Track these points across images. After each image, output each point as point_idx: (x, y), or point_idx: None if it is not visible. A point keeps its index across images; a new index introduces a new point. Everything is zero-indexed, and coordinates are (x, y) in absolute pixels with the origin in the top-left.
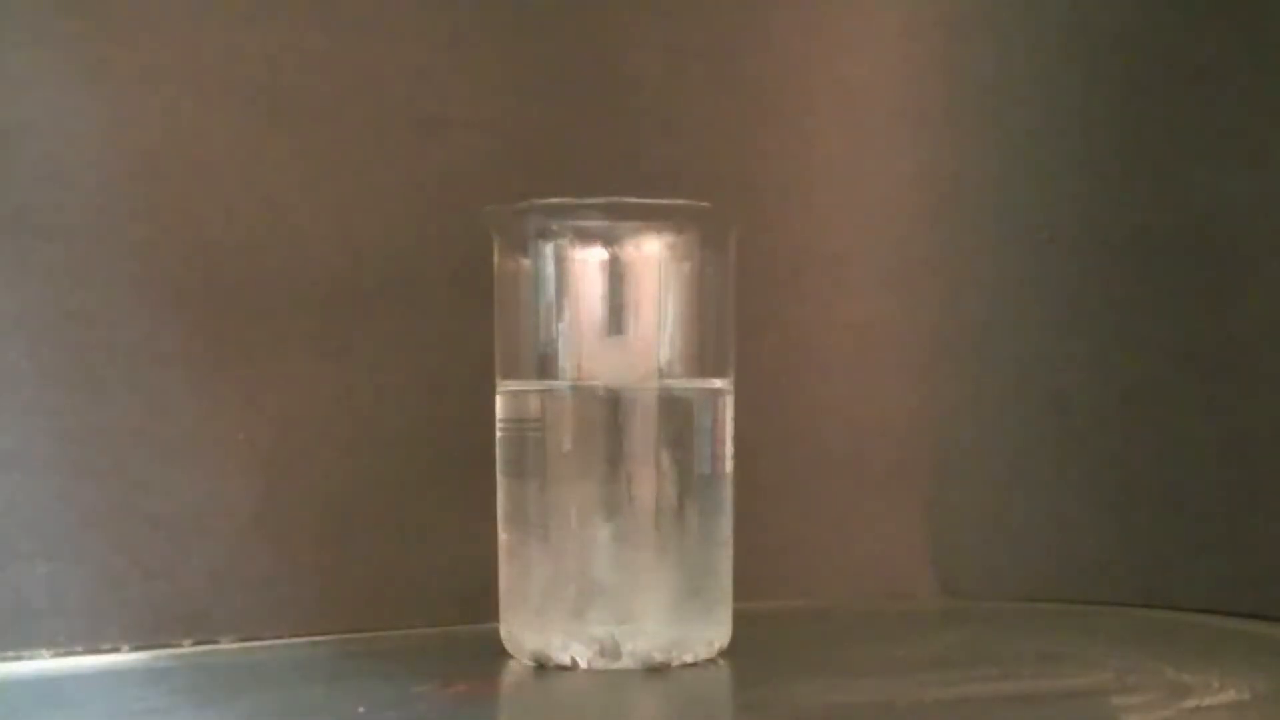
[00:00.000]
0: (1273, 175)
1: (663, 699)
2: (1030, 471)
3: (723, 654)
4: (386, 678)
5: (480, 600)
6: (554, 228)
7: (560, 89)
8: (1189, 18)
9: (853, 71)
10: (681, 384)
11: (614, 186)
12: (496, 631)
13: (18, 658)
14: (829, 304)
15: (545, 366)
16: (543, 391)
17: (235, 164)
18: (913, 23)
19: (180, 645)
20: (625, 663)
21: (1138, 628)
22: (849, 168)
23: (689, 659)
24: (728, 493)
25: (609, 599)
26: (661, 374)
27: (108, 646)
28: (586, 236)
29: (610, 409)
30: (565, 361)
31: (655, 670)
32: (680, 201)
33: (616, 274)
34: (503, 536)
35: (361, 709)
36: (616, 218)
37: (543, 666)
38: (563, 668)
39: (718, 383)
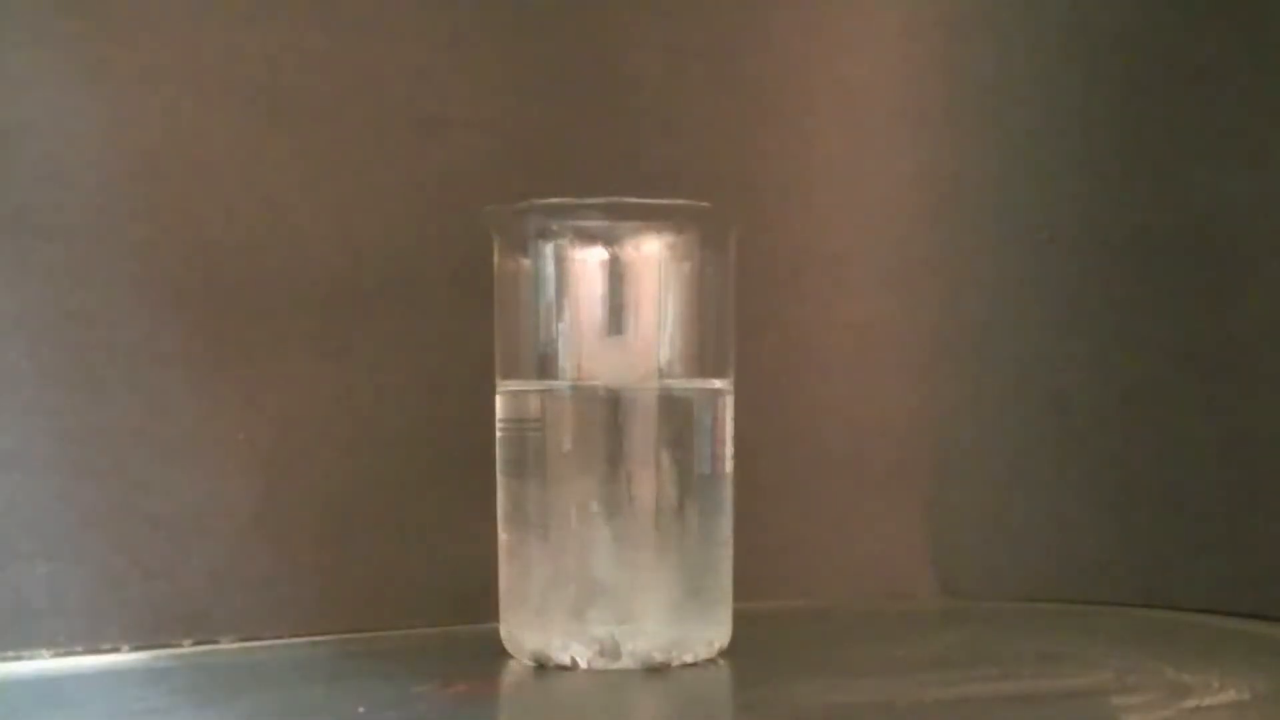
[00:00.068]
0: (1273, 175)
1: (663, 699)
2: (1030, 471)
3: (723, 654)
4: (386, 678)
5: (480, 600)
6: (554, 228)
7: (560, 89)
8: (1189, 18)
9: (853, 71)
10: (681, 384)
11: (614, 186)
12: (496, 631)
13: (18, 658)
14: (829, 304)
15: (545, 366)
16: (543, 391)
17: (235, 164)
18: (913, 23)
19: (180, 645)
20: (625, 663)
21: (1138, 628)
22: (849, 168)
23: (689, 659)
24: (728, 493)
25: (609, 599)
26: (661, 374)
27: (108, 646)
28: (586, 236)
29: (610, 409)
30: (565, 361)
31: (655, 670)
32: (680, 201)
33: (616, 274)
34: (503, 536)
35: (361, 709)
36: (616, 218)
37: (543, 666)
38: (563, 668)
39: (718, 383)
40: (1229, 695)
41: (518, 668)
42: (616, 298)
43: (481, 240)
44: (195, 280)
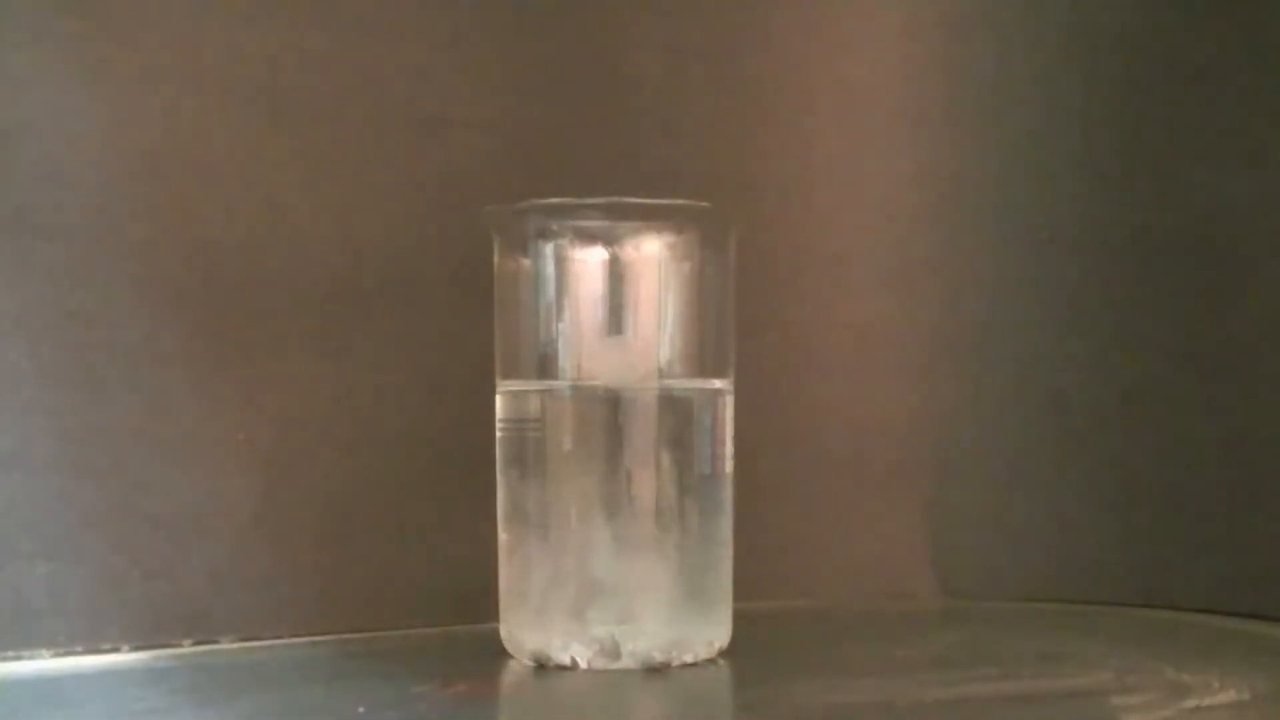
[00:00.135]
0: (1273, 175)
1: (663, 699)
2: (1030, 471)
3: (723, 654)
4: (386, 678)
5: (480, 600)
6: (554, 228)
7: (560, 89)
8: (1189, 18)
9: (853, 71)
10: (681, 384)
11: (614, 186)
12: (496, 631)
13: (18, 658)
14: (829, 304)
15: (545, 366)
16: (543, 391)
17: (235, 164)
18: (913, 23)
19: (180, 645)
20: (625, 663)
21: (1138, 628)
22: (849, 168)
23: (689, 659)
24: (728, 493)
25: (609, 599)
26: (661, 374)
27: (108, 646)
28: (586, 236)
29: (610, 409)
30: (565, 361)
31: (655, 670)
32: (680, 201)
33: (616, 274)
34: (503, 536)
35: (361, 709)
36: (616, 218)
37: (543, 666)
38: (563, 668)
39: (718, 383)
40: (1229, 695)
41: (518, 668)
42: (616, 298)
43: (481, 240)
44: (195, 280)
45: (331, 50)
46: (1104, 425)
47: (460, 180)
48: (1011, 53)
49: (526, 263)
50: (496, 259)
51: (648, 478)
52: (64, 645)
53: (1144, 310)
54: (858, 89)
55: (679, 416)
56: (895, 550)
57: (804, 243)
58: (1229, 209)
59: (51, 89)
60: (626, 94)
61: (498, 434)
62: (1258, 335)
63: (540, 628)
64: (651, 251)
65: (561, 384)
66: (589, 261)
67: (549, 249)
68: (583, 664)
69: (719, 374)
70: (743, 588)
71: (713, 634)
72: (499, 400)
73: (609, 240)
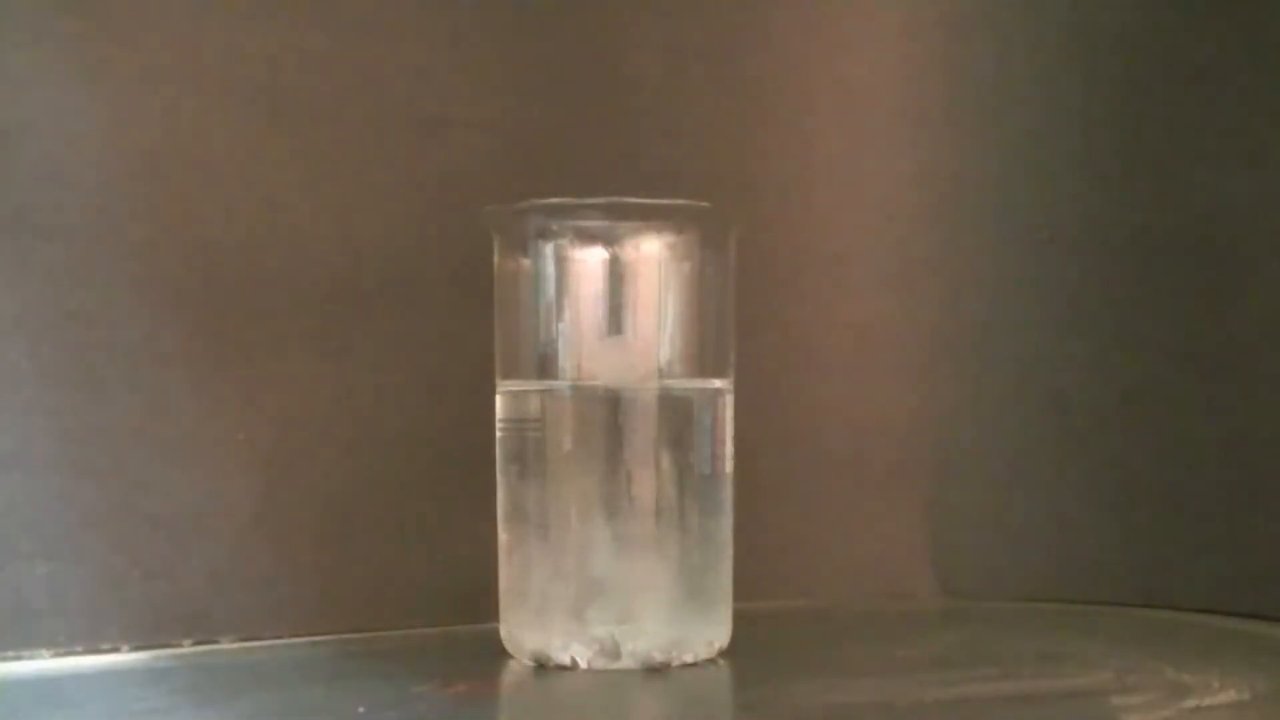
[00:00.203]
0: (1273, 175)
1: (663, 699)
2: (1030, 471)
3: (723, 654)
4: (386, 678)
5: (480, 600)
6: (554, 228)
7: (560, 89)
8: (1189, 18)
9: (853, 71)
10: (681, 384)
11: (614, 186)
12: (496, 631)
13: (18, 658)
14: (829, 304)
15: (545, 366)
16: (543, 391)
17: (235, 164)
18: (913, 23)
19: (180, 645)
20: (625, 663)
21: (1138, 628)
22: (849, 168)
23: (689, 659)
24: (728, 493)
25: (609, 599)
26: (661, 374)
27: (108, 646)
28: (586, 236)
29: (610, 409)
30: (565, 361)
31: (655, 670)
32: (680, 201)
33: (616, 274)
34: (503, 536)
35: (361, 709)
36: (616, 218)
37: (543, 666)
38: (563, 668)
39: (718, 383)
40: (1229, 695)
41: (518, 668)
42: (616, 298)
43: (481, 240)
44: (195, 280)
45: (331, 50)
46: (1104, 425)
47: (460, 180)
48: (1011, 53)
49: (526, 263)
50: (496, 259)
51: (648, 478)
52: (64, 645)
53: (1144, 310)
54: (858, 89)
55: (679, 416)
56: (895, 550)
57: (804, 243)
58: (1229, 209)
59: (51, 89)
60: (626, 94)
61: (498, 434)
62: (1258, 335)
63: (540, 628)
64: (651, 251)
65: (561, 384)
66: (589, 261)
67: (549, 249)
68: (583, 664)
69: (719, 374)
70: (743, 588)
71: (713, 634)
72: (499, 400)
73: (609, 240)
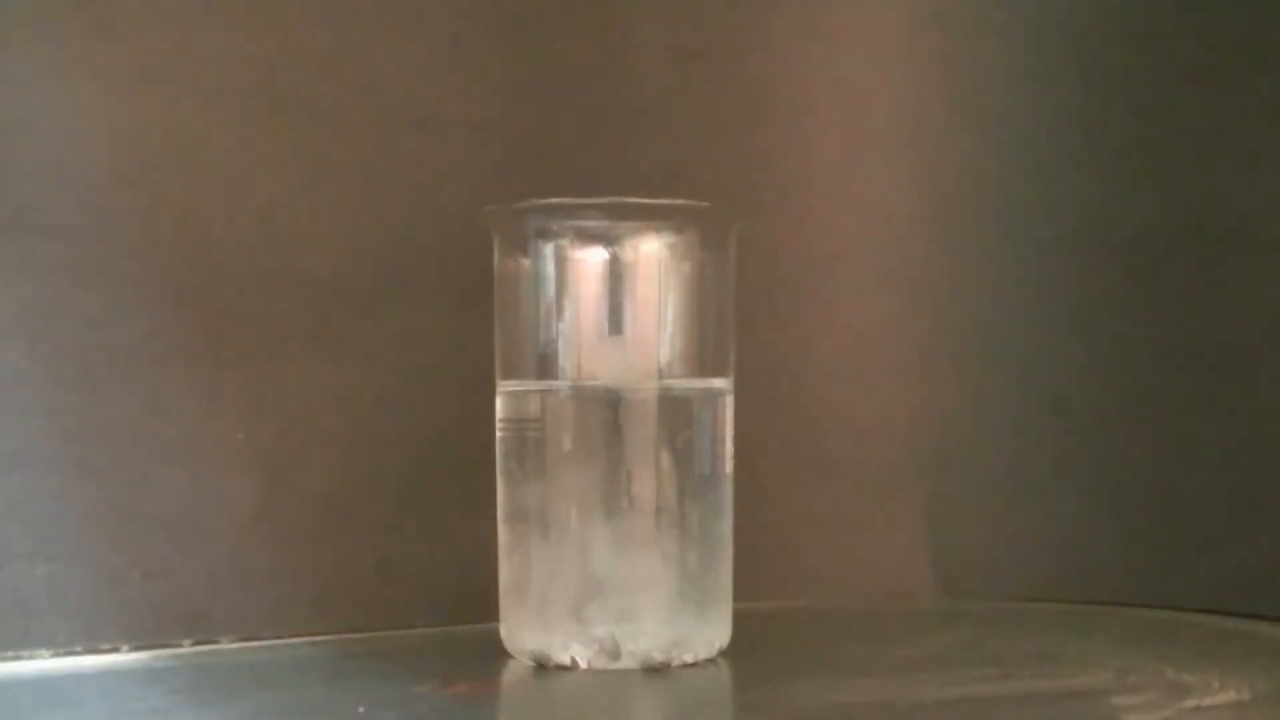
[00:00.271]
0: (1273, 175)
1: (663, 699)
2: (1030, 471)
3: (723, 654)
4: (386, 678)
5: (480, 600)
6: (554, 228)
7: (560, 89)
8: (1189, 18)
9: (853, 71)
10: (681, 384)
11: (614, 186)
12: (496, 631)
13: (18, 658)
14: (829, 304)
15: (545, 366)
16: (543, 391)
17: (235, 164)
18: (913, 23)
19: (180, 645)
20: (625, 663)
21: (1138, 628)
22: (849, 168)
23: (689, 659)
24: (728, 493)
25: (609, 599)
26: (661, 374)
27: (108, 646)
28: (586, 236)
29: (610, 409)
30: (565, 361)
31: (655, 670)
32: (680, 201)
33: (616, 274)
34: (503, 536)
35: (361, 709)
36: (616, 218)
37: (543, 666)
38: (563, 668)
39: (718, 383)
40: (1229, 695)
41: (518, 668)
42: (616, 298)
43: (481, 240)
44: (195, 280)
45: (331, 50)
46: (1104, 425)
47: (460, 180)
48: (1011, 53)
49: (526, 263)
50: (496, 259)
51: (648, 478)
52: (64, 645)
53: (1144, 310)
54: (858, 89)
55: (679, 416)
56: (895, 550)
57: (804, 243)
58: (1229, 209)
59: (51, 89)
60: (626, 94)
61: (498, 434)
62: (1258, 335)
63: (540, 628)
64: (651, 251)
65: (561, 384)
66: (589, 261)
67: (549, 249)
68: (583, 664)
69: (719, 374)
70: (743, 588)
71: (713, 634)
72: (499, 400)
73: (609, 240)
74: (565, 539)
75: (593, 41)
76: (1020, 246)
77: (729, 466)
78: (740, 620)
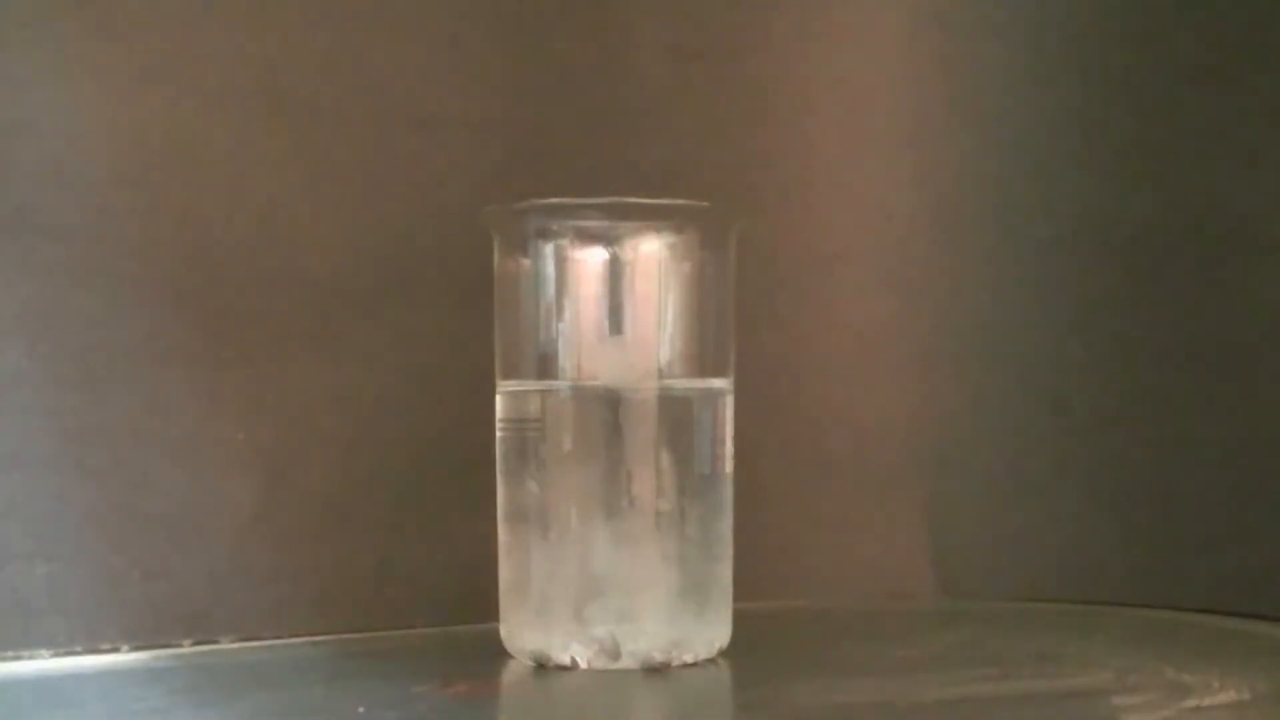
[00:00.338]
0: (1273, 175)
1: (663, 699)
2: (1030, 471)
3: (723, 654)
4: (386, 678)
5: (480, 600)
6: (554, 228)
7: (560, 89)
8: (1189, 18)
9: (853, 71)
10: (681, 384)
11: (614, 186)
12: (496, 631)
13: (18, 658)
14: (829, 304)
15: (545, 366)
16: (543, 391)
17: (235, 164)
18: (913, 23)
19: (180, 645)
20: (625, 663)
21: (1138, 628)
22: (849, 168)
23: (689, 659)
24: (728, 493)
25: (609, 599)
26: (661, 374)
27: (108, 646)
28: (586, 236)
29: (610, 409)
30: (565, 361)
31: (655, 670)
32: (680, 201)
33: (616, 274)
34: (503, 536)
35: (361, 709)
36: (616, 218)
37: (543, 666)
38: (563, 668)
39: (718, 383)
40: (1229, 695)
41: (518, 668)
42: (616, 298)
43: (481, 240)
44: (195, 280)
45: (331, 50)
46: (1104, 425)
47: (460, 180)
48: (1011, 53)
49: (526, 263)
50: (496, 259)
51: (648, 478)
52: (64, 645)
53: (1144, 310)
54: (858, 89)
55: (679, 416)
56: (895, 550)
57: (804, 243)
58: (1229, 209)
59: (51, 89)
60: (627, 94)
61: (498, 434)
62: (1258, 335)
63: (540, 628)
64: (651, 251)
65: (561, 384)
66: (589, 261)
67: (549, 249)
68: (583, 664)
69: (719, 374)
70: (743, 588)
71: (713, 634)
72: (499, 400)
73: (609, 240)
74: (565, 539)
75: (593, 41)
76: (1020, 246)
77: (729, 466)
78: (740, 620)
